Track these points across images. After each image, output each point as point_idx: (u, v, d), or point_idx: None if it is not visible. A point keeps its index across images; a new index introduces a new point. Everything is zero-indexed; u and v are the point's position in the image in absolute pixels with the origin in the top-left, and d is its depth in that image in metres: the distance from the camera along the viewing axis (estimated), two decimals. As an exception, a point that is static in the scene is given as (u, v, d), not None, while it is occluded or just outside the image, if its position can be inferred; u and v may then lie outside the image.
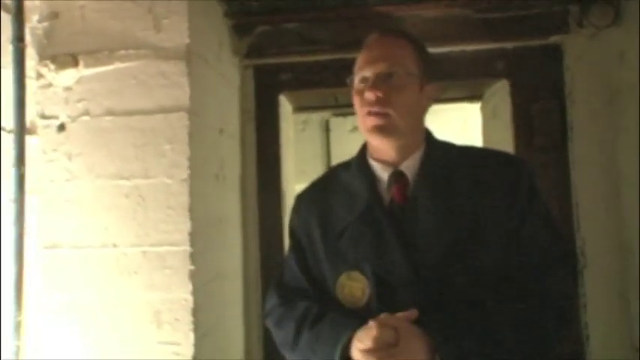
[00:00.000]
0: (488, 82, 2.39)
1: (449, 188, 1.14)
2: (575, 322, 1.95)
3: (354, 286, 1.13)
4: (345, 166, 1.29)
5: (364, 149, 1.26)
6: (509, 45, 2.13)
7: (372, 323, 1.03)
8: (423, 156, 1.19)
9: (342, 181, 1.25)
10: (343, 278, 1.15)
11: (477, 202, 1.13)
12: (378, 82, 1.14)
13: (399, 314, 1.04)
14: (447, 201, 1.13)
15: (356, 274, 1.14)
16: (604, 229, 1.99)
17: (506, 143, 2.19)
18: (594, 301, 2.00)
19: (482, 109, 2.72)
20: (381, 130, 1.14)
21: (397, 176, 1.18)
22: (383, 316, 1.04)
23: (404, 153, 1.18)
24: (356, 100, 1.19)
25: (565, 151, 2.08)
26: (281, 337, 1.23)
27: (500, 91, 2.28)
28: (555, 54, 2.10)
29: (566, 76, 2.09)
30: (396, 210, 1.16)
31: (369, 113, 1.14)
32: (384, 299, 1.11)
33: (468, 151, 1.27)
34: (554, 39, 2.09)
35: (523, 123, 2.12)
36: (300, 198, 1.33)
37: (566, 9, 2.04)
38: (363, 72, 1.17)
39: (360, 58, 1.20)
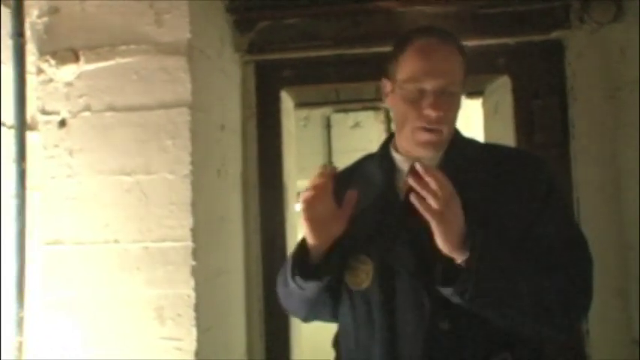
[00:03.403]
0: (489, 78, 2.38)
1: (466, 184, 1.13)
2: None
3: (360, 269, 1.16)
4: (372, 155, 1.31)
5: (389, 140, 1.27)
6: (510, 41, 2.12)
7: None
8: (446, 151, 1.20)
9: (364, 170, 1.28)
10: (351, 260, 1.18)
11: (493, 199, 1.13)
12: (439, 100, 1.11)
13: None
14: (462, 197, 1.13)
15: (363, 258, 1.16)
16: (605, 225, 1.99)
17: (507, 139, 2.19)
18: (594, 296, 1.99)
19: (484, 105, 2.71)
20: (434, 146, 1.14)
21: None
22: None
23: None
24: (404, 106, 1.14)
25: (566, 147, 2.08)
26: (279, 294, 1.28)
27: (502, 87, 2.27)
28: (557, 50, 2.10)
29: (567, 72, 2.08)
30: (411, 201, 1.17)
31: (424, 129, 1.12)
32: (386, 285, 1.13)
33: (489, 148, 1.28)
34: (555, 35, 2.08)
35: (524, 119, 2.11)
36: None
37: (567, 5, 2.03)
38: (421, 83, 1.11)
39: (416, 64, 1.13)
